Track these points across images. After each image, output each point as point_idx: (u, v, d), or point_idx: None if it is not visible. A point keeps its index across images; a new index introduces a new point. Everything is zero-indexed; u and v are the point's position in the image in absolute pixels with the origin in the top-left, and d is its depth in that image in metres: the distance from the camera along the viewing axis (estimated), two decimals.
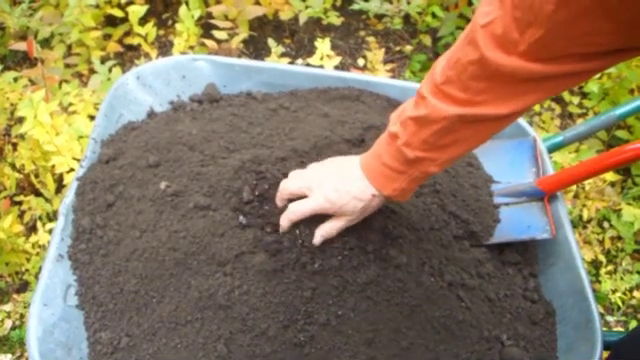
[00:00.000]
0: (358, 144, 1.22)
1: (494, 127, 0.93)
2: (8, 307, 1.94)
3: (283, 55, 2.42)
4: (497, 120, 0.91)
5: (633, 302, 2.01)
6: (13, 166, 2.10)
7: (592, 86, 2.23)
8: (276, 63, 2.02)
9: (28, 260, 1.97)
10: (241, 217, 1.08)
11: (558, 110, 2.38)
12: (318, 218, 1.03)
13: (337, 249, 1.03)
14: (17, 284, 1.98)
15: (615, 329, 1.92)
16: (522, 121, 1.37)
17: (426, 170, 0.94)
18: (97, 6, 2.35)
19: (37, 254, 1.98)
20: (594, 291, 1.22)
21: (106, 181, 1.17)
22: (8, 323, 1.91)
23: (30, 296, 1.92)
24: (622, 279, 2.01)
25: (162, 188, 1.13)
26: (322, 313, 1.00)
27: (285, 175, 1.09)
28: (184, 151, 1.19)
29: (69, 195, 1.18)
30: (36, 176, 2.08)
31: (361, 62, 2.46)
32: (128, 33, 2.50)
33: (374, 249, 1.05)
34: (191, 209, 1.09)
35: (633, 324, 1.95)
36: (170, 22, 2.61)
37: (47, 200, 2.03)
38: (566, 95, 2.36)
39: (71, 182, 1.19)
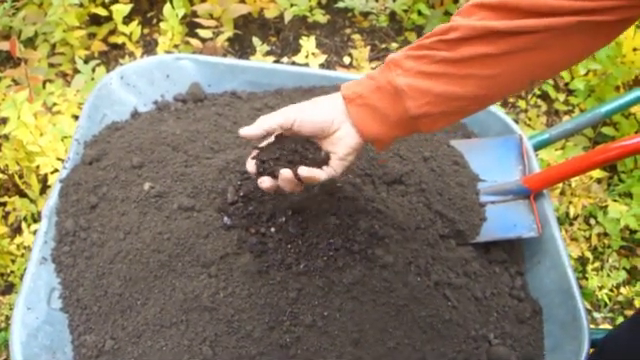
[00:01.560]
0: None
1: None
2: None
3: (268, 53, 2.41)
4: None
5: (620, 298, 2.02)
6: None
7: (578, 83, 2.23)
8: (261, 62, 2.01)
9: (13, 262, 1.95)
10: (225, 218, 1.07)
11: (544, 107, 2.39)
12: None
13: (322, 250, 1.03)
14: (2, 286, 1.97)
15: (602, 326, 1.93)
16: (508, 119, 1.37)
17: (393, 82, 0.91)
18: (81, 5, 2.33)
19: (22, 255, 1.96)
20: (581, 288, 1.22)
21: (89, 183, 1.16)
22: None
23: (15, 298, 1.91)
24: (609, 276, 2.02)
25: (146, 189, 1.12)
26: (308, 314, 0.99)
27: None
28: (168, 151, 1.18)
29: (52, 197, 1.17)
30: (20, 177, 2.06)
31: (347, 60, 2.45)
32: (112, 32, 2.48)
33: (360, 249, 1.04)
34: (175, 210, 1.08)
35: (620, 320, 1.95)
36: (155, 21, 2.59)
37: (32, 201, 2.01)
38: (552, 92, 2.37)
39: (54, 184, 1.18)
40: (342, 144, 0.97)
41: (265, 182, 0.96)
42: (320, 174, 0.96)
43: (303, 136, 0.98)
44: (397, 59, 0.93)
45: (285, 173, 0.94)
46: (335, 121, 0.97)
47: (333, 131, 0.97)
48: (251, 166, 0.98)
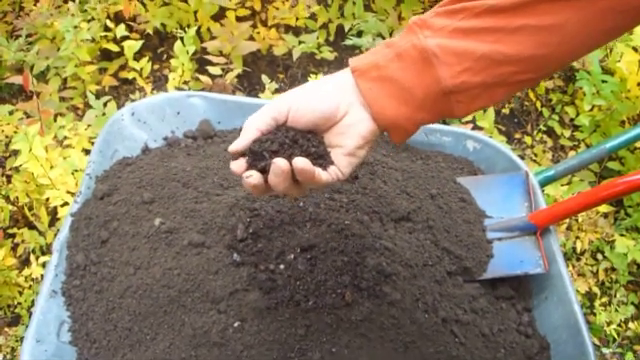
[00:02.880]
0: (351, 180, 1.23)
1: None
2: (0, 341, 1.92)
3: (277, 91, 2.44)
4: None
5: (629, 334, 2.00)
6: (7, 198, 2.10)
7: (583, 119, 2.25)
8: (269, 100, 2.04)
9: (21, 293, 1.96)
10: (235, 255, 1.08)
11: (550, 143, 2.40)
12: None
13: (331, 287, 1.03)
14: (9, 317, 1.97)
15: None
16: (514, 155, 1.38)
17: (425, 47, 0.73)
18: (93, 40, 2.37)
19: (30, 287, 1.97)
20: (589, 324, 1.22)
21: (100, 217, 1.18)
22: None
23: (22, 330, 1.91)
24: (617, 311, 2.01)
25: (156, 225, 1.13)
26: (316, 350, 0.99)
27: (279, 212, 1.10)
28: (178, 187, 1.20)
29: (63, 231, 1.18)
30: (30, 209, 2.08)
31: None
32: (123, 67, 2.51)
33: (368, 286, 1.05)
34: (185, 246, 1.09)
35: (629, 356, 1.94)
36: (165, 57, 2.63)
37: (41, 233, 2.02)
38: (558, 128, 2.38)
39: (65, 218, 1.19)
40: (351, 133, 0.80)
41: (252, 177, 0.78)
42: (321, 174, 0.79)
43: (302, 129, 0.81)
44: (424, 18, 0.75)
45: (279, 162, 0.75)
46: (342, 104, 0.78)
47: (339, 118, 0.79)
48: (236, 166, 0.80)
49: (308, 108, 0.79)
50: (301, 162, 0.76)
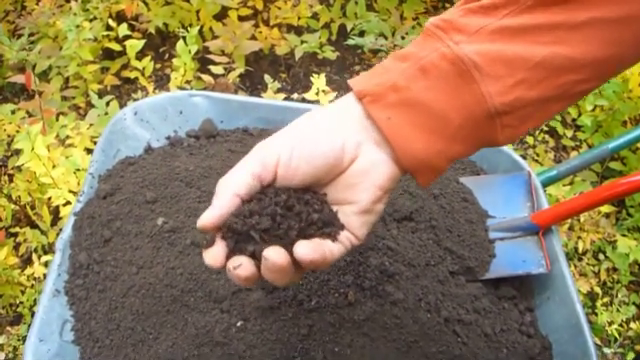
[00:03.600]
0: None
1: None
2: (1, 340, 1.93)
3: (279, 90, 2.45)
4: None
5: (630, 334, 2.00)
6: (9, 197, 2.11)
7: (585, 119, 2.25)
8: (272, 99, 2.04)
9: (23, 292, 1.96)
10: None
11: (552, 143, 2.40)
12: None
13: (334, 286, 1.04)
14: (11, 316, 1.97)
15: None
16: (516, 155, 1.39)
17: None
18: (95, 40, 2.38)
19: (32, 286, 1.97)
20: (590, 324, 1.22)
21: (103, 216, 1.18)
22: (1, 356, 1.90)
23: (24, 329, 1.91)
24: (618, 311, 2.01)
25: (159, 224, 1.13)
26: (319, 350, 0.99)
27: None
28: (181, 187, 1.20)
29: (66, 230, 1.18)
30: (32, 208, 2.08)
31: None
32: (125, 66, 2.52)
33: (371, 286, 1.05)
34: (188, 245, 1.09)
35: (630, 356, 1.94)
36: (167, 56, 2.63)
37: (43, 232, 2.03)
38: (560, 128, 2.38)
39: (68, 217, 1.20)
40: (365, 184, 0.61)
41: (242, 268, 0.59)
42: (332, 249, 0.61)
43: (297, 186, 0.63)
44: (449, 19, 0.58)
45: (273, 256, 0.57)
46: (348, 145, 0.60)
47: (346, 164, 0.61)
48: (212, 256, 0.60)
49: (303, 157, 0.60)
50: (306, 251, 0.57)
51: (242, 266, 0.60)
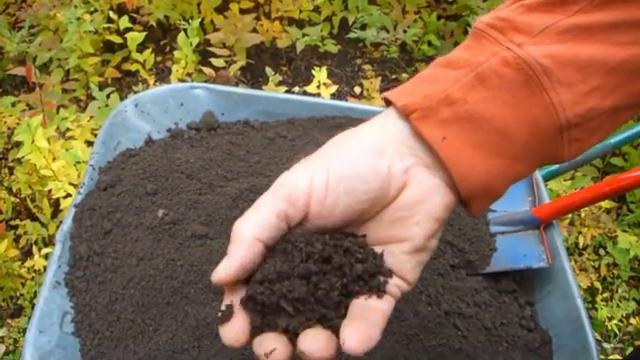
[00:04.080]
0: None
1: None
2: (2, 332, 1.93)
3: (280, 83, 2.44)
4: None
5: (630, 329, 2.01)
6: (9, 190, 2.11)
7: None
8: (273, 92, 2.04)
9: (23, 285, 1.96)
10: None
11: None
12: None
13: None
14: (11, 309, 1.98)
15: (612, 356, 1.92)
16: None
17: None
18: (96, 32, 2.37)
19: (32, 279, 1.98)
20: (590, 319, 1.22)
21: (104, 208, 1.18)
22: (2, 348, 1.90)
23: (24, 321, 1.92)
24: (618, 306, 2.01)
25: (160, 216, 1.13)
26: None
27: None
28: (182, 179, 1.20)
29: (66, 222, 1.18)
30: (32, 200, 2.08)
31: (357, 90, 2.48)
32: (126, 59, 2.52)
33: None
34: (188, 237, 1.09)
35: (630, 351, 1.94)
36: (168, 48, 2.63)
37: (43, 225, 2.03)
38: None
39: (68, 209, 1.19)
40: (419, 216, 0.51)
41: (278, 354, 0.49)
42: (384, 310, 0.52)
43: (334, 225, 0.52)
44: (506, 17, 0.50)
45: (314, 347, 0.48)
46: (393, 171, 0.50)
47: (392, 195, 0.51)
48: (230, 335, 0.51)
49: (341, 189, 0.49)
50: (356, 340, 0.47)
51: (276, 352, 0.48)
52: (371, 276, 0.52)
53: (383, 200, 0.51)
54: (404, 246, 0.53)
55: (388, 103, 0.53)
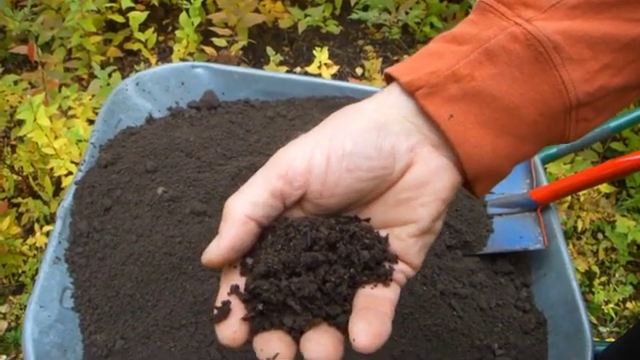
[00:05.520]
0: None
1: None
2: (4, 309, 1.95)
3: (282, 63, 2.44)
4: None
5: (626, 313, 2.02)
6: (12, 168, 2.11)
7: None
8: (274, 72, 2.03)
9: (25, 262, 1.98)
10: None
11: None
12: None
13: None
14: (13, 286, 1.99)
15: (608, 339, 1.94)
16: None
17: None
18: (98, 11, 2.37)
19: (34, 256, 1.99)
20: (586, 302, 1.23)
21: (104, 185, 1.18)
22: (4, 324, 1.92)
23: (26, 298, 1.93)
24: (615, 290, 2.02)
25: (159, 193, 1.14)
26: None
27: None
28: (181, 157, 1.20)
29: (67, 199, 1.19)
30: (34, 178, 2.09)
31: (359, 71, 2.48)
32: (128, 38, 2.51)
33: None
34: (187, 215, 1.10)
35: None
36: (170, 28, 2.62)
37: (45, 203, 2.04)
38: None
39: (69, 186, 1.20)
40: (425, 197, 0.49)
41: (281, 357, 0.46)
42: (391, 299, 0.50)
43: (335, 206, 0.50)
44: None
45: (320, 349, 0.46)
46: (398, 150, 0.48)
47: (397, 175, 0.49)
48: (227, 335, 0.48)
49: (343, 166, 0.47)
50: (367, 339, 0.45)
51: (280, 356, 0.46)
52: (377, 263, 0.49)
53: (387, 180, 0.49)
54: (410, 228, 0.50)
55: (390, 79, 0.51)
